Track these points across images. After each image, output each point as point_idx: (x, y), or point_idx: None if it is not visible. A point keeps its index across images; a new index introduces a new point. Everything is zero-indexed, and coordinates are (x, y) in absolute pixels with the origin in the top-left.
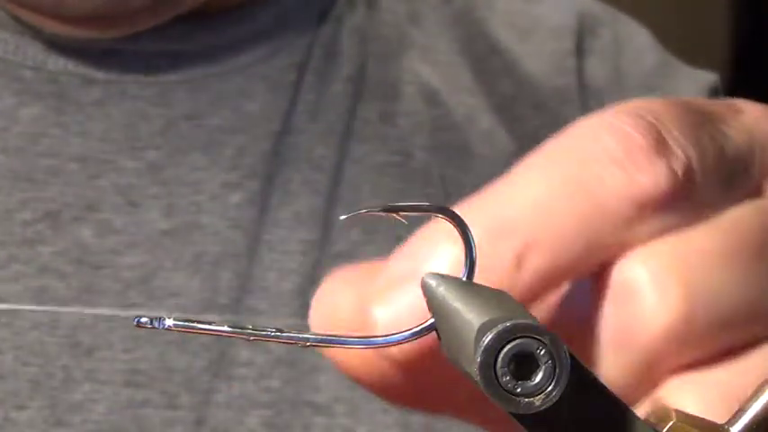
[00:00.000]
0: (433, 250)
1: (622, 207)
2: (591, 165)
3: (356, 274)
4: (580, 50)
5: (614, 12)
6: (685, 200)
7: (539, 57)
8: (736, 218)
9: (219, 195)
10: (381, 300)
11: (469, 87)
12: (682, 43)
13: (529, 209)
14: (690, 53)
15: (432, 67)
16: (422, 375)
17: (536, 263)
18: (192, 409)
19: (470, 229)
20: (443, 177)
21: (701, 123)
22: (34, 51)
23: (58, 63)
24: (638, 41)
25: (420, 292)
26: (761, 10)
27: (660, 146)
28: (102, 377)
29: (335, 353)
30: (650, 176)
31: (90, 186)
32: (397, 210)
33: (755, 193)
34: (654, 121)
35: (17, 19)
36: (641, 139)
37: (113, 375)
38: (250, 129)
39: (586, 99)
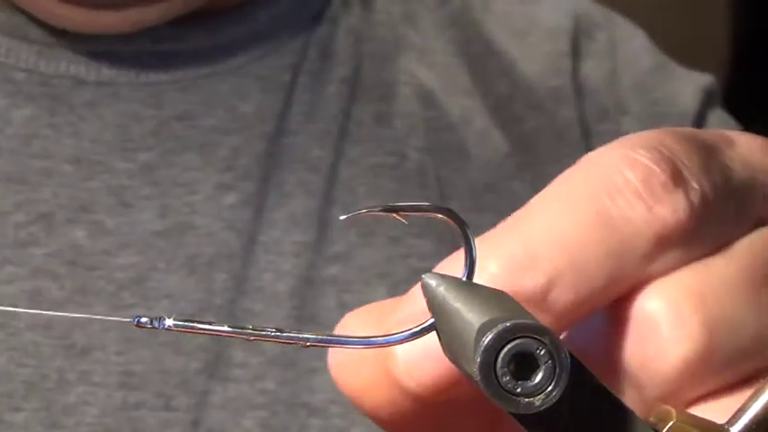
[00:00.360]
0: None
1: (644, 240)
2: (614, 198)
3: (370, 315)
4: (576, 52)
5: (610, 13)
6: (701, 231)
7: (534, 58)
8: (748, 247)
9: (213, 196)
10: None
11: (465, 88)
12: (681, 44)
13: (553, 241)
14: (689, 53)
15: (428, 68)
16: (438, 411)
17: (560, 297)
18: (188, 411)
19: (470, 228)
20: (439, 178)
21: (709, 155)
22: (27, 54)
23: (49, 65)
24: (634, 43)
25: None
26: (760, 10)
27: (677, 178)
28: (96, 379)
29: (352, 389)
30: (670, 208)
31: (83, 188)
32: (396, 210)
33: (760, 222)
34: (669, 155)
35: (13, 14)
36: (660, 173)
37: (107, 377)
38: (244, 129)
39: (582, 100)
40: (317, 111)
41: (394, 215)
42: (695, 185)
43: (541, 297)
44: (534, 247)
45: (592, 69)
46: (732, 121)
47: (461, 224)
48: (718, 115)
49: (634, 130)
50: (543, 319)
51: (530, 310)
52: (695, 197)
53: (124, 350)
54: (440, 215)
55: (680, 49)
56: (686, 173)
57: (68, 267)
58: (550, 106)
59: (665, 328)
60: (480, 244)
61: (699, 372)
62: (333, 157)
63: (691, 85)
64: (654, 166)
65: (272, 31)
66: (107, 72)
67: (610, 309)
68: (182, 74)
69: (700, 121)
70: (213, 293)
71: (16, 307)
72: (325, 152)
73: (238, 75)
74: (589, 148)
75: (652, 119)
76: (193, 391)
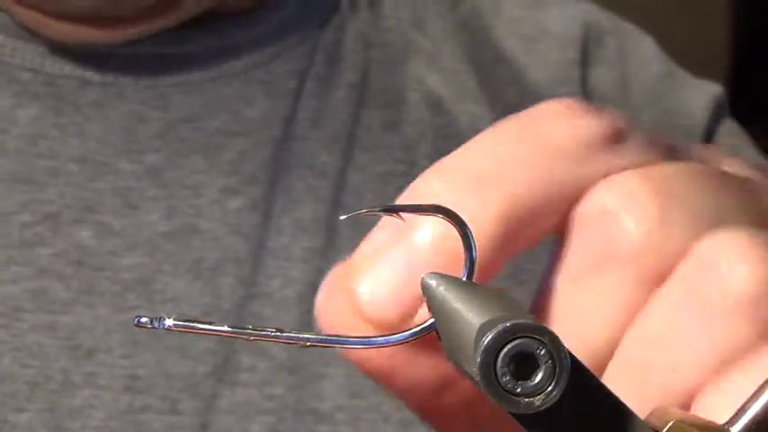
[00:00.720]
0: (412, 224)
1: (571, 146)
2: (540, 120)
3: (343, 266)
4: (585, 60)
5: (618, 20)
6: (627, 143)
7: (543, 66)
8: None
9: (219, 200)
10: (361, 276)
11: (474, 95)
12: (681, 44)
13: (498, 161)
14: (689, 54)
15: (436, 74)
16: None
17: (514, 210)
18: (195, 415)
19: (470, 228)
20: None
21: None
22: (32, 54)
23: (55, 66)
24: (644, 51)
25: (402, 259)
26: (760, 10)
27: (597, 110)
28: (101, 382)
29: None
30: (589, 122)
31: (89, 188)
32: (397, 210)
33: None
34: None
35: (18, 23)
36: (579, 103)
37: (113, 380)
38: (250, 134)
39: None
40: (325, 116)
41: (394, 215)
42: (607, 116)
43: (500, 214)
44: (484, 166)
45: (601, 77)
46: (741, 132)
47: (461, 224)
48: (727, 126)
49: None
50: (492, 242)
51: (492, 227)
52: (609, 120)
53: (130, 353)
54: (439, 215)
55: (680, 49)
56: (605, 112)
57: (74, 268)
58: None
59: (619, 212)
60: (433, 171)
61: (660, 243)
62: (341, 162)
63: (701, 94)
64: (572, 101)
65: (279, 36)
66: (112, 73)
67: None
68: (187, 76)
69: (709, 132)
70: (220, 298)
71: (21, 307)
72: (334, 158)
73: (244, 79)
74: None
75: (661, 128)
76: (201, 395)
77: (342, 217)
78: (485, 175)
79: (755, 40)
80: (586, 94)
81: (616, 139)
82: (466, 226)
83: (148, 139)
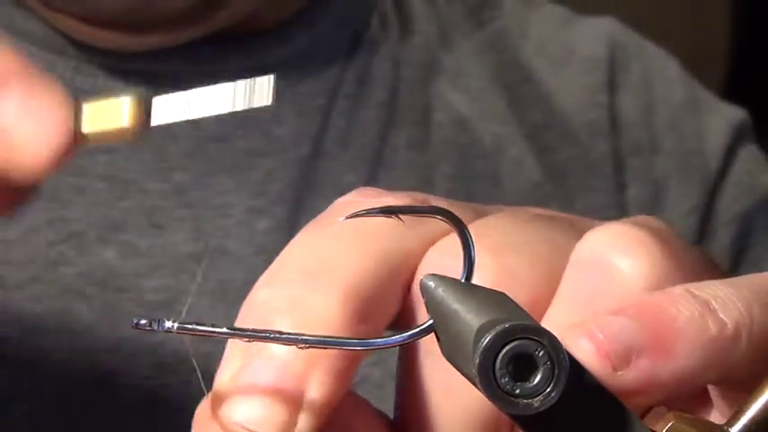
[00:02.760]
0: None
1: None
2: (339, 210)
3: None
4: (612, 85)
5: (642, 41)
6: None
7: (571, 90)
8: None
9: (246, 221)
10: (231, 404)
11: (500, 115)
12: (682, 44)
13: (321, 254)
14: (689, 54)
15: (462, 93)
16: None
17: (355, 292)
18: None
19: (468, 230)
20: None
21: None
22: (63, 69)
23: (85, 81)
24: (668, 75)
25: (262, 374)
26: (760, 10)
27: (382, 192)
28: (123, 405)
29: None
30: (389, 201)
31: (115, 207)
32: (395, 212)
33: None
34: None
35: (51, 30)
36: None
37: (135, 404)
38: (279, 153)
39: (617, 134)
40: (354, 135)
41: (393, 217)
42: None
43: None
44: (304, 264)
45: (627, 103)
46: (762, 157)
47: (460, 226)
48: (747, 151)
49: (666, 170)
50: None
51: None
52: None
53: (153, 375)
54: (438, 217)
55: (680, 49)
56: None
57: (98, 288)
58: (585, 138)
59: (616, 256)
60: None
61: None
62: (366, 182)
63: (722, 120)
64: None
65: (310, 55)
66: (143, 89)
67: None
68: None
69: (729, 157)
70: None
71: (44, 327)
72: (360, 178)
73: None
74: (620, 182)
75: (683, 156)
76: None
77: (341, 218)
78: (314, 269)
79: (755, 40)
80: (614, 119)
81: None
82: (464, 227)
83: (177, 157)
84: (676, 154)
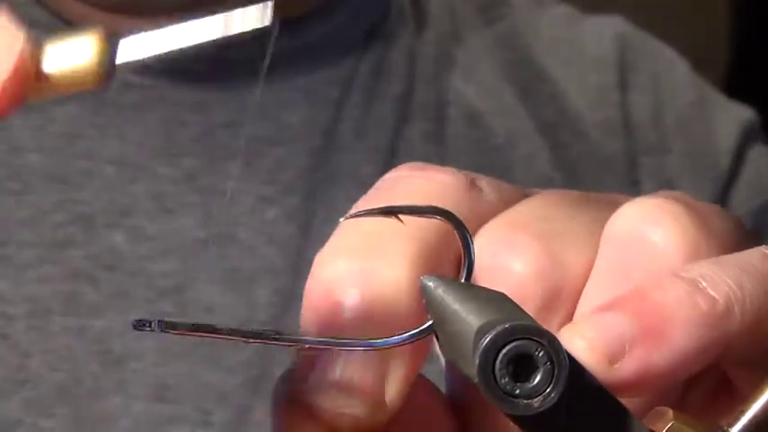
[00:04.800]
0: None
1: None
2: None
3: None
4: (623, 84)
5: (650, 40)
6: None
7: (582, 88)
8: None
9: (256, 209)
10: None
11: (513, 110)
12: (681, 43)
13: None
14: (689, 53)
15: (475, 87)
16: None
17: (422, 252)
18: (227, 427)
19: (468, 230)
20: None
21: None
22: None
23: None
24: (677, 75)
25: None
26: (760, 10)
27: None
28: (131, 389)
29: None
30: (444, 174)
31: (124, 191)
32: (395, 212)
33: None
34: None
35: (56, 18)
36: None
37: (143, 388)
38: (289, 141)
39: (628, 133)
40: (369, 127)
41: (393, 217)
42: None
43: None
44: (374, 232)
45: (637, 103)
46: None
47: (460, 226)
48: (757, 150)
49: (677, 170)
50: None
51: None
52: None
53: (161, 361)
54: (438, 217)
55: (680, 48)
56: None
57: (106, 271)
58: (597, 136)
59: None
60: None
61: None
62: (381, 174)
63: (730, 120)
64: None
65: (325, 46)
66: (154, 75)
67: None
68: (228, 82)
69: (740, 157)
70: (256, 309)
71: (52, 309)
72: (377, 170)
73: (286, 86)
74: (634, 179)
75: (693, 156)
76: (233, 407)
77: (341, 219)
78: (376, 240)
79: (755, 40)
80: (625, 118)
81: (472, 186)
82: (464, 228)
83: (187, 142)
84: (686, 154)
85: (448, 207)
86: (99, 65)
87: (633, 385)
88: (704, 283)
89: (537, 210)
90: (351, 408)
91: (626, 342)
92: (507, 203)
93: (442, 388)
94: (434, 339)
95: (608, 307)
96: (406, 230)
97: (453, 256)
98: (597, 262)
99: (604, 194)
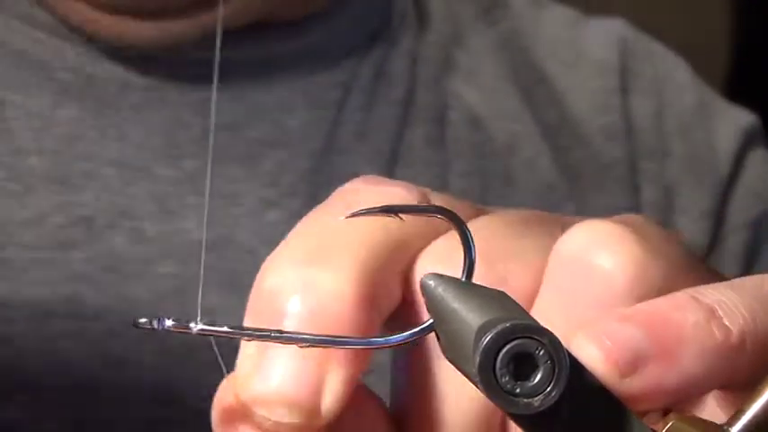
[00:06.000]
0: None
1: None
2: (349, 193)
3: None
4: (624, 89)
5: (651, 43)
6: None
7: (584, 93)
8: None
9: (256, 212)
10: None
11: (514, 114)
12: (682, 43)
13: (327, 236)
14: (689, 53)
15: (476, 90)
16: None
17: (366, 270)
18: None
19: (469, 229)
20: (483, 204)
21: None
22: (74, 54)
23: (96, 67)
24: (677, 79)
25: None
26: (761, 10)
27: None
28: (129, 392)
29: None
30: (395, 189)
31: (125, 193)
32: (396, 211)
33: None
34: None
35: (60, 20)
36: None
37: (141, 391)
38: (290, 144)
39: (630, 137)
40: (370, 130)
41: (393, 216)
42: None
43: None
44: (313, 245)
45: (639, 107)
46: None
47: (460, 225)
48: (758, 155)
49: (677, 174)
50: (357, 304)
51: None
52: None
53: (160, 365)
54: (438, 216)
55: (680, 48)
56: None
57: (107, 273)
58: (598, 141)
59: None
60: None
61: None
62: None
63: (732, 124)
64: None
65: (326, 48)
66: (155, 77)
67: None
68: (230, 83)
69: (740, 162)
70: None
71: (52, 312)
72: (377, 173)
73: (287, 89)
74: (635, 184)
75: (693, 161)
76: None
77: (341, 218)
78: (321, 250)
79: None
80: (627, 122)
81: (424, 199)
82: (465, 227)
83: (188, 144)
84: (687, 158)
85: (396, 227)
86: None
87: (639, 400)
88: (720, 312)
89: (487, 228)
90: (287, 416)
91: (640, 357)
92: None
93: (387, 400)
94: (435, 338)
95: (626, 318)
96: (354, 239)
97: (400, 268)
98: (544, 282)
99: (558, 216)
